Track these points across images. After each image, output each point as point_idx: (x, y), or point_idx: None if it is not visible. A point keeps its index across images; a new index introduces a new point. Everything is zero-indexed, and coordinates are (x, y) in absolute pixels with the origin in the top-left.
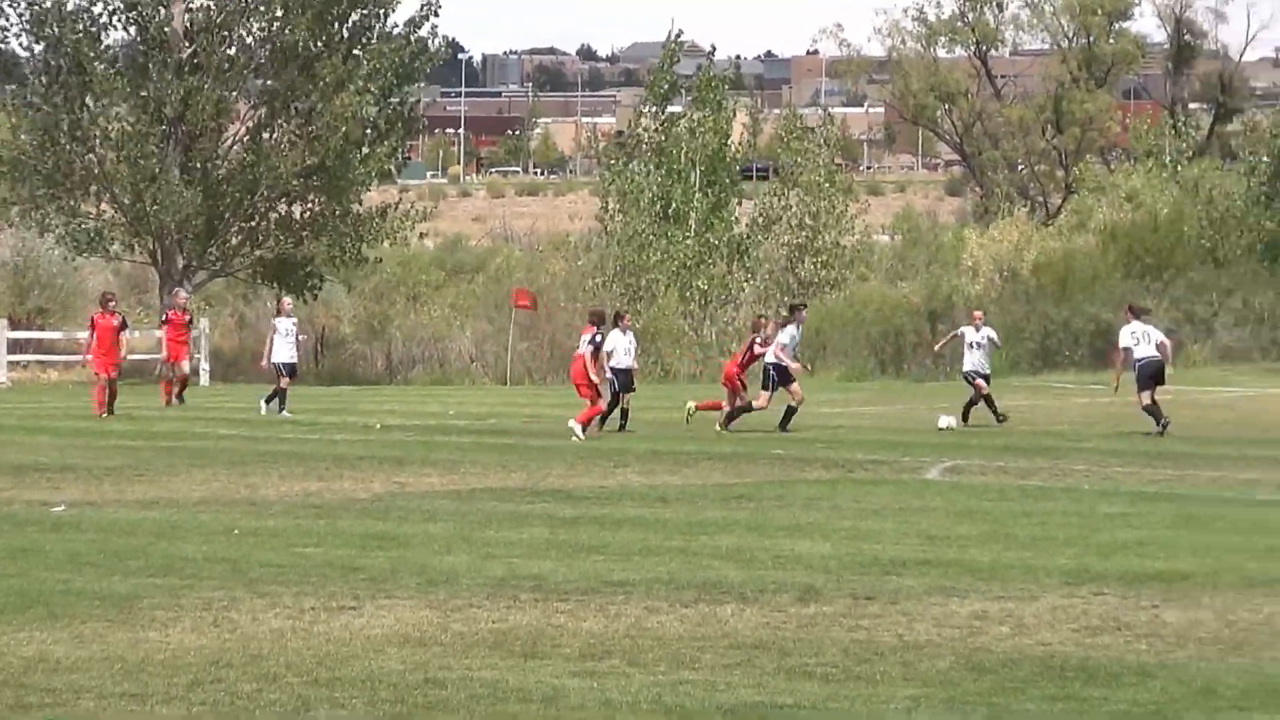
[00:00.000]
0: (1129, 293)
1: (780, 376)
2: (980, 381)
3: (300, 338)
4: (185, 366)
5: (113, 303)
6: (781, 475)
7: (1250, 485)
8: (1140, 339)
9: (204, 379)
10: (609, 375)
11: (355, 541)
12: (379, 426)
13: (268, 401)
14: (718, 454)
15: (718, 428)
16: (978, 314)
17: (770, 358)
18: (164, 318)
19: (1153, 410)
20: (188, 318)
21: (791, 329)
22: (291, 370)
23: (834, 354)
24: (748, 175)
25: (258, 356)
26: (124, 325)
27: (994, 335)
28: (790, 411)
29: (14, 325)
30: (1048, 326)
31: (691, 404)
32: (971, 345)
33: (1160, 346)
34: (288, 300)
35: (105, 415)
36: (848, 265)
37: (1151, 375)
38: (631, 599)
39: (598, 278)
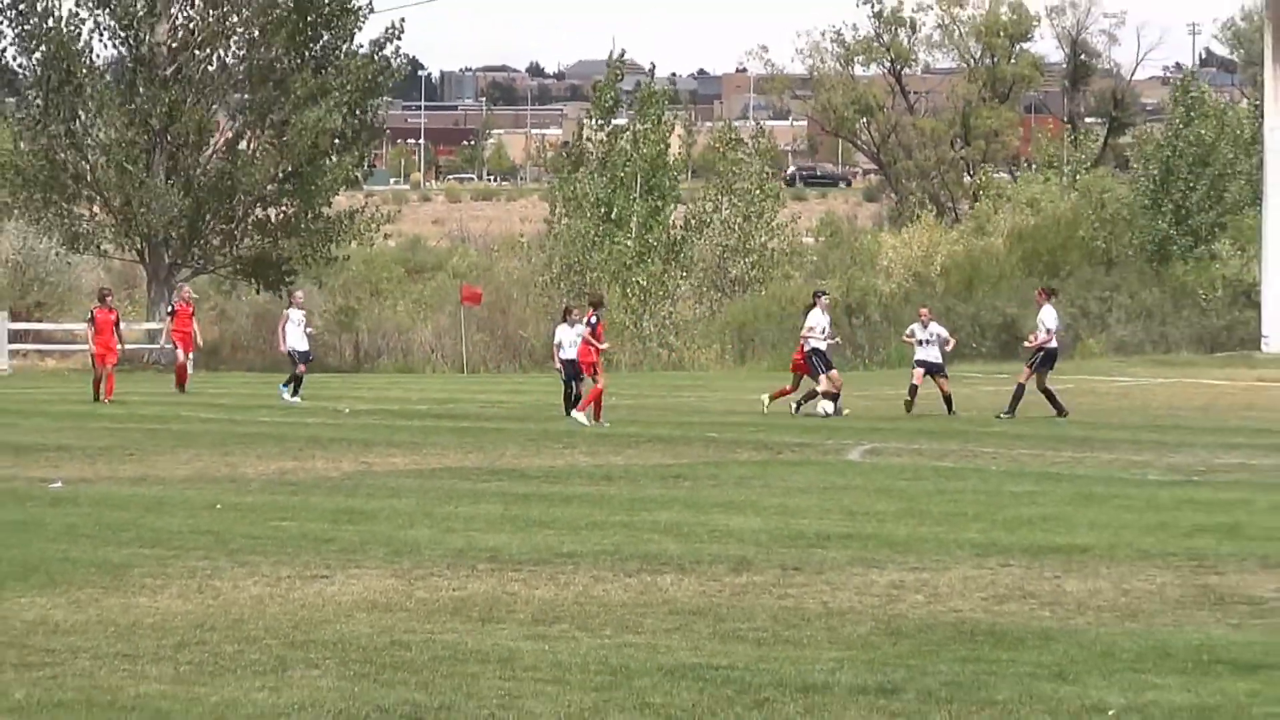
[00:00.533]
0: (1032, 289)
1: (822, 362)
2: (918, 371)
3: (309, 330)
4: (180, 355)
5: (110, 298)
6: (716, 456)
7: (1142, 467)
8: (1058, 329)
9: (188, 367)
10: (557, 365)
11: (327, 516)
12: (348, 411)
13: (287, 388)
14: (658, 437)
15: (791, 410)
16: (924, 310)
17: (809, 345)
18: (172, 309)
19: (1018, 397)
20: (192, 309)
21: (817, 313)
22: (306, 357)
23: (762, 346)
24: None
25: (238, 346)
26: (118, 320)
27: (942, 332)
28: (832, 397)
29: (15, 317)
30: (956, 321)
31: (765, 397)
32: (921, 343)
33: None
34: (299, 293)
35: (105, 400)
36: (774, 265)
37: (1053, 362)
38: (579, 569)
39: (546, 275)
